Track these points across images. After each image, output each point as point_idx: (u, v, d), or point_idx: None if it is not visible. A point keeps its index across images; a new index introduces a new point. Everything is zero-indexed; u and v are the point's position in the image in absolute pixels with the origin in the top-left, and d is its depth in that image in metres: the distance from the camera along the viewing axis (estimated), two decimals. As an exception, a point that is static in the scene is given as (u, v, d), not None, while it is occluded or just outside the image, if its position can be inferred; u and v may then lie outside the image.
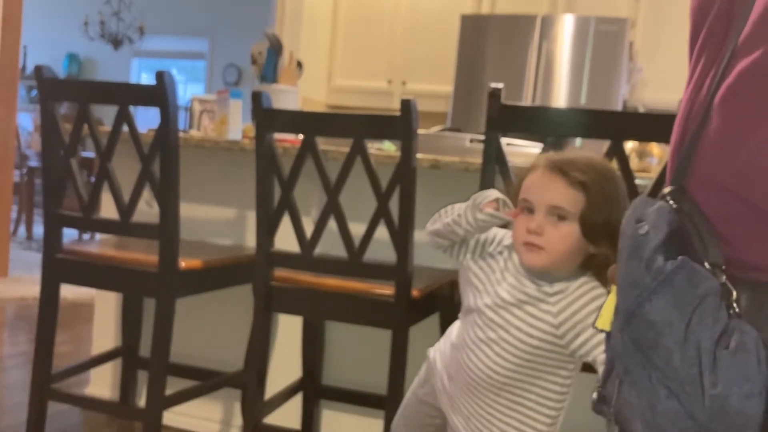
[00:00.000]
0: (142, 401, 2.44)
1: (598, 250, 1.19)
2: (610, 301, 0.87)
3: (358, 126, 1.73)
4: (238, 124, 2.39)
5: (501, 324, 1.26)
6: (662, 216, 0.79)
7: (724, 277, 0.76)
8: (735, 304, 0.75)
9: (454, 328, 1.40)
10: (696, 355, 0.72)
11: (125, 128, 1.90)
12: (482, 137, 1.68)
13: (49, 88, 1.96)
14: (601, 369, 1.12)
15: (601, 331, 0.89)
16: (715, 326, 0.73)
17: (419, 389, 1.46)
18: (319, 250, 1.82)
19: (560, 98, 4.14)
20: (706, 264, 0.77)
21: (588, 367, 1.35)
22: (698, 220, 0.80)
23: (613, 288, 0.86)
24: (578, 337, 1.21)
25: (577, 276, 1.24)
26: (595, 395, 0.90)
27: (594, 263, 1.22)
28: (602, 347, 1.15)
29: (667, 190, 0.83)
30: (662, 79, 4.25)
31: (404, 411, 1.53)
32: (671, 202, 0.81)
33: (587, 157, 1.23)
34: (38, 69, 1.95)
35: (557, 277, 1.24)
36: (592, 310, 1.20)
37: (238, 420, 2.38)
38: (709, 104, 0.81)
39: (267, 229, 1.84)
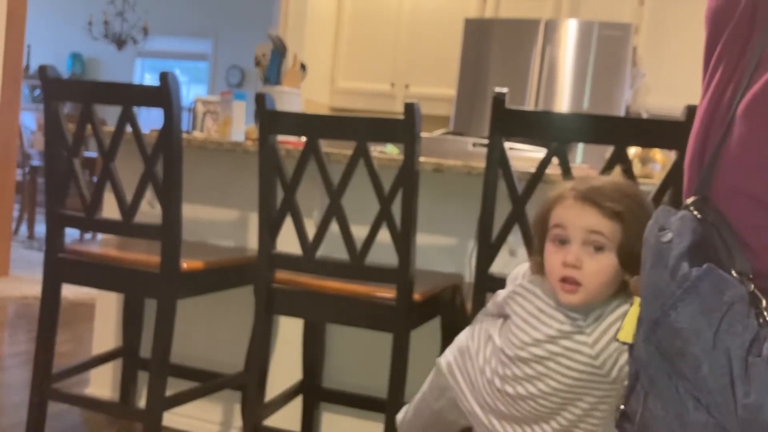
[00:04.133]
0: (142, 402, 2.44)
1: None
2: (633, 313, 0.84)
3: (362, 129, 1.73)
4: (241, 126, 2.39)
5: (538, 360, 1.21)
6: (686, 224, 0.77)
7: (752, 286, 0.73)
8: (766, 313, 0.72)
9: (472, 347, 1.33)
10: (726, 363, 0.70)
11: (128, 128, 1.90)
12: (485, 141, 1.68)
13: (53, 88, 1.96)
14: None
15: (624, 343, 0.86)
16: (745, 334, 0.70)
17: (435, 402, 1.40)
18: (320, 252, 1.82)
19: (563, 103, 4.14)
20: (733, 272, 0.74)
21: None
22: (724, 230, 0.77)
23: (636, 300, 0.84)
24: (616, 364, 1.16)
25: (608, 301, 1.19)
26: (617, 412, 0.87)
27: (629, 290, 1.17)
28: None
29: (690, 200, 0.81)
30: (665, 84, 4.25)
31: (417, 421, 1.47)
32: (695, 212, 0.79)
33: (615, 184, 1.18)
34: (42, 69, 1.95)
35: (591, 307, 1.18)
36: None
37: (237, 422, 2.38)
38: (732, 113, 0.78)
39: (269, 230, 1.84)
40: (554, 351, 1.19)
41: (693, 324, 0.72)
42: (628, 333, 0.85)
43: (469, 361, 1.33)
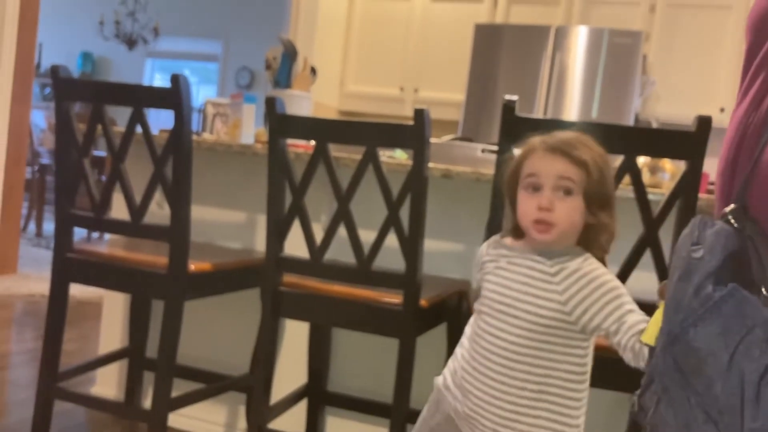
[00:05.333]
0: (147, 402, 2.45)
1: (596, 219, 1.27)
2: (657, 317, 0.87)
3: (371, 134, 1.73)
4: (251, 129, 2.40)
5: (508, 311, 1.29)
6: (719, 240, 0.78)
7: None
8: None
9: (457, 348, 1.40)
10: (739, 385, 0.71)
11: (138, 129, 1.91)
12: (494, 147, 1.68)
13: (64, 88, 1.97)
14: (615, 339, 1.22)
15: (646, 345, 0.90)
16: (761, 359, 0.71)
17: (431, 419, 1.44)
18: (328, 256, 1.82)
19: (572, 110, 4.13)
20: (764, 290, 0.75)
21: (598, 383, 1.35)
22: (760, 244, 0.78)
23: (662, 304, 0.86)
24: (586, 312, 1.25)
25: (575, 254, 1.29)
26: (633, 400, 0.91)
27: (591, 232, 1.29)
28: (612, 317, 1.22)
29: (728, 209, 0.82)
30: (675, 92, 4.24)
31: None
32: (732, 221, 0.80)
33: (579, 137, 1.30)
34: (54, 69, 1.96)
35: (556, 252, 1.28)
36: (595, 286, 1.25)
37: (242, 424, 2.38)
38: None
39: (277, 234, 1.84)
40: (525, 299, 1.28)
41: (710, 344, 0.74)
42: (651, 335, 0.88)
43: (456, 361, 1.38)
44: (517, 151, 1.38)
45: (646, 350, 1.12)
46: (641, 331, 1.16)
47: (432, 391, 1.45)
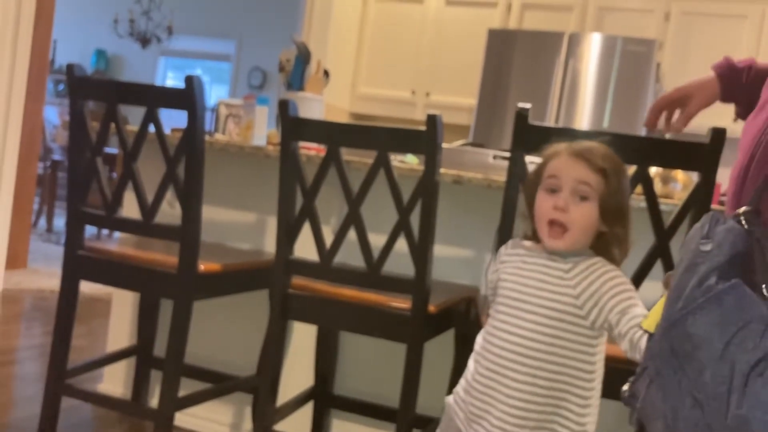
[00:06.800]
0: (153, 401, 2.45)
1: (610, 230, 1.30)
2: (660, 305, 0.89)
3: (383, 139, 1.73)
4: (264, 130, 2.40)
5: (524, 306, 1.31)
6: (729, 237, 0.80)
7: None
8: None
9: (469, 362, 1.41)
10: (728, 374, 0.74)
11: (151, 129, 1.92)
12: (505, 154, 1.68)
13: (79, 87, 1.98)
14: (615, 331, 1.25)
15: (645, 331, 0.92)
16: (755, 351, 0.74)
17: None
18: (337, 259, 1.82)
19: (584, 117, 4.12)
20: (765, 288, 0.77)
21: (610, 394, 1.35)
22: (766, 244, 0.80)
23: (665, 294, 0.89)
24: (596, 306, 1.28)
25: (589, 255, 1.32)
26: (626, 387, 0.93)
27: (604, 240, 1.32)
28: (616, 309, 1.25)
29: (742, 210, 0.84)
30: (688, 102, 4.22)
31: None
32: (744, 222, 0.82)
33: (603, 148, 1.34)
34: (70, 67, 1.97)
35: (570, 252, 1.32)
36: (605, 280, 1.28)
37: (248, 425, 2.38)
38: None
39: (287, 236, 1.84)
40: (540, 294, 1.31)
41: (707, 332, 0.76)
42: (652, 323, 0.90)
43: (467, 372, 1.39)
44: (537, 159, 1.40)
45: (644, 342, 1.14)
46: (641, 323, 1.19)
47: (443, 406, 1.45)
